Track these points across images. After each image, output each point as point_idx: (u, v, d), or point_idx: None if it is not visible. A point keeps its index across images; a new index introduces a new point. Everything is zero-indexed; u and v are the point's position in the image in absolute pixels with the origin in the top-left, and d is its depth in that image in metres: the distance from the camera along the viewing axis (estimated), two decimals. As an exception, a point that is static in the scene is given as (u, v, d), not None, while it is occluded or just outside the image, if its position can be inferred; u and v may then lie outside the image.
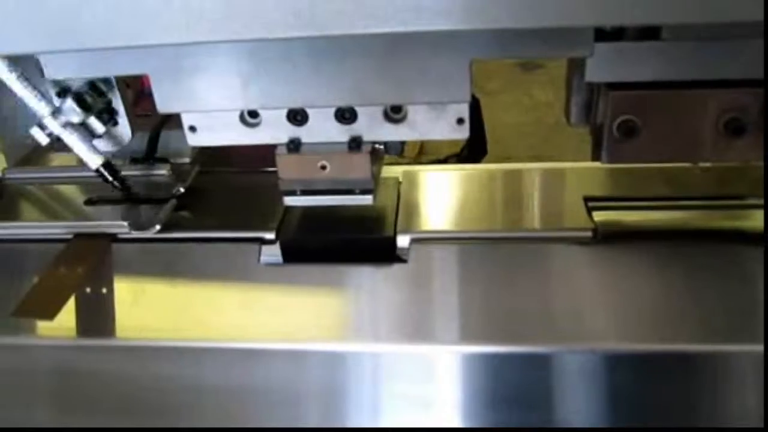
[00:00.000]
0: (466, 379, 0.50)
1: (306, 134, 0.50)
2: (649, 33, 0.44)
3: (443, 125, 0.48)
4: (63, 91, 0.54)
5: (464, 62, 0.44)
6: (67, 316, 0.53)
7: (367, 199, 0.52)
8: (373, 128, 0.49)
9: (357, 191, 0.52)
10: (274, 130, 0.50)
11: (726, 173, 0.59)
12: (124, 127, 0.58)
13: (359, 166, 0.50)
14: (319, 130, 0.49)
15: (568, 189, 0.59)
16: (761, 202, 0.56)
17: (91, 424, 0.54)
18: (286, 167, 0.51)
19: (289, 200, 0.52)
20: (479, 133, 0.78)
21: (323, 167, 0.50)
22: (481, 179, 0.62)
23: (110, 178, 0.57)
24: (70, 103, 0.53)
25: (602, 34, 0.44)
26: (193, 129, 0.50)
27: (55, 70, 0.48)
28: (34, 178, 0.66)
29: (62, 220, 0.60)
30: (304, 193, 0.52)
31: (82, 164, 0.61)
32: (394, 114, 0.49)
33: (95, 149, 0.56)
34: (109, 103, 0.56)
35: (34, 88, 0.53)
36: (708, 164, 0.55)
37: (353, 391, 0.51)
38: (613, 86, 0.47)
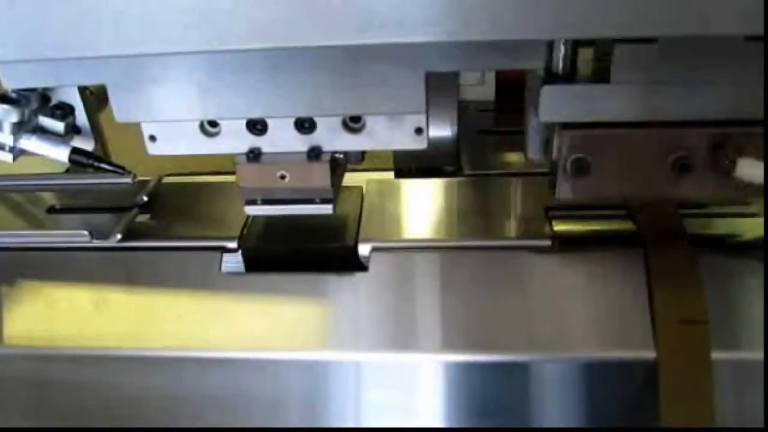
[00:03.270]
0: (436, 388, 0.51)
1: (266, 144, 0.50)
2: (599, 76, 0.46)
3: (402, 135, 0.49)
4: (7, 99, 0.53)
5: (420, 74, 0.44)
6: (25, 325, 0.53)
7: (327, 209, 0.52)
8: (332, 138, 0.49)
9: (317, 200, 0.52)
10: (234, 140, 0.50)
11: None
12: (87, 135, 0.58)
13: (319, 176, 0.50)
14: (279, 139, 0.49)
15: (529, 198, 0.59)
16: (723, 210, 0.57)
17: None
18: (246, 176, 0.51)
19: (250, 209, 0.53)
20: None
21: (283, 177, 0.50)
22: (444, 189, 0.62)
23: (87, 161, 0.57)
24: (14, 109, 0.53)
25: (554, 77, 0.46)
26: (153, 138, 0.50)
27: (12, 80, 0.48)
28: (-6, 186, 0.66)
29: (23, 228, 0.60)
30: (265, 202, 0.52)
31: (44, 173, 0.61)
32: (354, 124, 0.49)
33: (59, 142, 0.56)
34: (71, 111, 0.56)
35: None
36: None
37: (317, 400, 0.52)
38: (566, 125, 0.48)
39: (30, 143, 0.55)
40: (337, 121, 0.49)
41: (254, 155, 0.50)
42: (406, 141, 0.49)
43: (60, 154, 0.56)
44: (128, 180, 0.62)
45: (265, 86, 0.46)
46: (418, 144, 0.49)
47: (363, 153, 0.52)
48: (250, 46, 0.40)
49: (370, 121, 0.48)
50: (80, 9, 0.39)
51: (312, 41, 0.39)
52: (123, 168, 0.58)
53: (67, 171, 0.68)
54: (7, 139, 0.54)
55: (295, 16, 0.38)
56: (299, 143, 0.49)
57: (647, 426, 0.50)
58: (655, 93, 0.46)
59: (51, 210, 0.62)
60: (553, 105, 0.46)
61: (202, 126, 0.50)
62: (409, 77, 0.45)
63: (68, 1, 0.39)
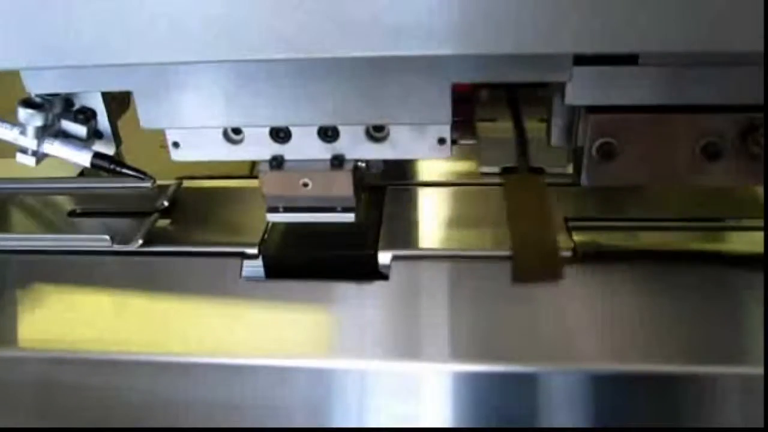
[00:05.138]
0: (448, 398, 0.50)
1: (289, 151, 0.50)
2: (627, 58, 0.45)
3: (425, 145, 0.49)
4: (32, 104, 0.54)
5: (445, 85, 0.44)
6: (47, 329, 0.53)
7: (349, 217, 0.52)
8: (355, 147, 0.49)
9: (339, 209, 0.52)
10: (257, 147, 0.50)
11: (705, 195, 0.60)
12: (108, 139, 0.58)
13: (341, 184, 0.50)
14: (302, 147, 0.50)
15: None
16: (740, 224, 0.57)
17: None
18: (269, 184, 0.51)
19: (272, 217, 0.53)
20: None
21: (305, 184, 0.50)
22: (463, 197, 0.62)
23: (109, 166, 0.57)
24: (38, 113, 0.54)
25: (582, 59, 0.45)
26: (176, 145, 0.50)
27: (37, 85, 0.48)
28: (16, 188, 0.66)
29: (44, 232, 0.60)
30: (287, 209, 0.52)
31: (64, 176, 0.61)
32: (377, 133, 0.49)
33: (82, 147, 0.56)
34: (93, 116, 0.57)
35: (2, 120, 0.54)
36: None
37: (335, 408, 0.51)
38: (592, 109, 0.48)
39: (53, 147, 0.55)
40: (360, 130, 0.49)
41: (277, 163, 0.50)
42: (428, 151, 0.49)
43: (82, 158, 0.56)
44: (148, 185, 0.62)
45: (290, 95, 0.46)
46: (441, 153, 0.49)
47: (384, 162, 0.52)
48: (278, 56, 0.40)
49: (394, 131, 0.49)
50: (108, 17, 0.39)
51: (339, 52, 0.39)
52: (144, 173, 0.59)
53: (81, 174, 0.68)
54: (31, 143, 0.55)
55: (322, 27, 0.38)
56: (322, 151, 0.50)
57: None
58: (684, 76, 0.45)
59: (71, 214, 0.62)
60: (581, 87, 0.46)
61: (225, 133, 0.50)
62: (434, 88, 0.45)
63: (96, 8, 0.39)
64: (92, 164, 0.56)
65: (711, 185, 0.50)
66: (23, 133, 0.54)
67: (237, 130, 0.50)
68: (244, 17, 0.39)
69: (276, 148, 0.50)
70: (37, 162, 0.56)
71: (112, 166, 0.56)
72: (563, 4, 0.37)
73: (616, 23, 0.37)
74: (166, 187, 0.63)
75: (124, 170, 0.57)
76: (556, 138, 0.52)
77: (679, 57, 0.44)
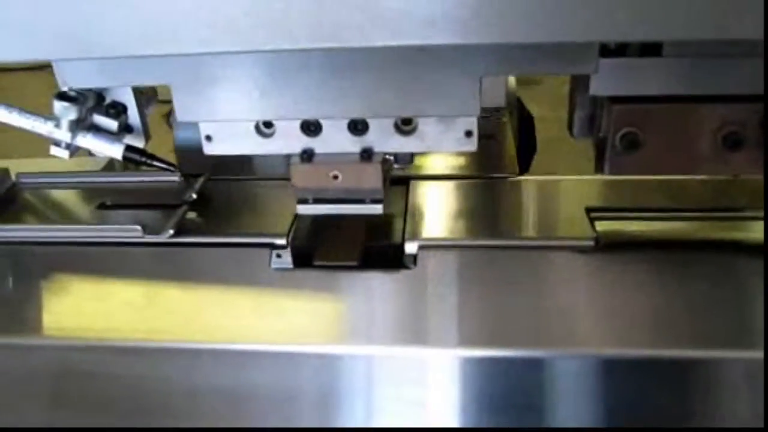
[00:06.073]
0: (462, 383, 0.51)
1: (319, 145, 0.51)
2: (651, 49, 0.46)
3: (452, 138, 0.50)
4: (66, 97, 0.55)
5: (474, 78, 0.45)
6: (77, 318, 0.55)
7: (377, 209, 0.53)
8: (384, 139, 0.50)
9: (367, 200, 0.53)
10: (288, 141, 0.51)
11: (724, 186, 0.60)
12: (138, 133, 0.60)
13: (370, 176, 0.51)
14: (332, 140, 0.51)
15: (571, 200, 0.60)
16: (758, 213, 0.58)
17: (96, 425, 0.55)
18: (300, 176, 0.52)
19: (302, 209, 0.54)
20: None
21: (335, 177, 0.51)
22: (487, 189, 0.63)
23: (140, 159, 0.58)
24: (72, 107, 0.55)
25: (606, 50, 0.46)
26: (209, 138, 0.51)
27: (72, 78, 0.49)
28: (48, 182, 0.67)
29: (75, 223, 0.62)
30: (317, 201, 0.53)
31: (93, 170, 0.62)
32: (405, 126, 0.50)
33: (114, 140, 0.58)
34: (124, 110, 0.58)
35: (32, 114, 0.56)
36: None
37: (351, 394, 0.52)
38: (615, 100, 0.49)
39: (86, 140, 0.57)
40: (389, 123, 0.50)
41: (308, 156, 0.51)
42: (456, 144, 0.50)
43: (114, 151, 0.57)
44: (176, 178, 0.63)
45: (321, 88, 0.47)
46: (468, 146, 0.50)
47: (412, 155, 0.53)
48: (313, 45, 0.40)
49: (421, 123, 0.50)
50: (143, 8, 0.40)
51: (373, 42, 0.40)
52: (174, 166, 0.60)
53: (105, 168, 0.70)
54: (65, 135, 0.56)
55: (354, 17, 0.39)
56: (351, 144, 0.51)
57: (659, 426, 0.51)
58: (706, 66, 0.46)
59: (101, 206, 0.63)
60: (605, 78, 0.47)
61: (257, 127, 0.51)
62: (464, 81, 0.46)
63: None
64: (124, 157, 0.57)
65: (732, 174, 0.51)
66: (57, 126, 0.56)
67: (269, 124, 0.51)
68: (278, 7, 0.39)
69: (306, 141, 0.51)
70: (71, 155, 0.57)
71: (143, 159, 0.58)
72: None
73: (642, 12, 0.38)
74: (195, 180, 0.64)
75: (156, 162, 0.58)
76: (578, 129, 0.53)
77: (702, 47, 0.45)
